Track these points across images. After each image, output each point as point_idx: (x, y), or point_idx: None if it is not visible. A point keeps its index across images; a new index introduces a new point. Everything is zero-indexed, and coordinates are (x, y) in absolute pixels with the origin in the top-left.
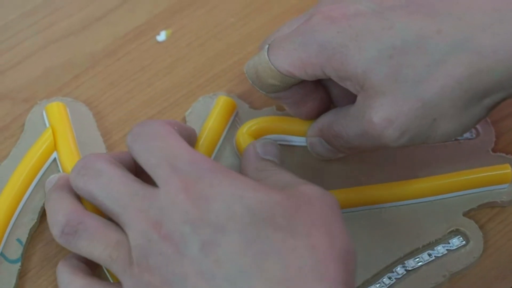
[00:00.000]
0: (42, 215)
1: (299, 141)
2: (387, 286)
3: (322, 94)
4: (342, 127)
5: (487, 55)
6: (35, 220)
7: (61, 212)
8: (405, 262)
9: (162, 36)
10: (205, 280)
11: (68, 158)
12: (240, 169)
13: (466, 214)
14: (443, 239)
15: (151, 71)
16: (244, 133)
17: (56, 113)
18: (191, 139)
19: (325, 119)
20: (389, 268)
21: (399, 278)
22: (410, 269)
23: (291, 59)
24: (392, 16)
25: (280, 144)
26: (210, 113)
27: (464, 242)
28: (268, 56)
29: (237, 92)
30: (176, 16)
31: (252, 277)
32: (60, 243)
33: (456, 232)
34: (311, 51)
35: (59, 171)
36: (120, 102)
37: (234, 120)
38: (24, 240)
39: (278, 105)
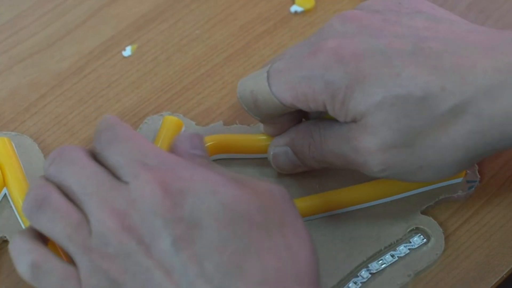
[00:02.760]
0: None
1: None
2: None
3: (302, 113)
4: (322, 139)
5: (484, 119)
6: None
7: (32, 188)
8: (369, 265)
9: (127, 52)
10: (174, 275)
11: (19, 193)
12: None
13: (424, 211)
14: (404, 239)
15: (118, 87)
16: None
17: (1, 149)
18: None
19: (300, 128)
20: (354, 273)
21: (364, 282)
22: (374, 272)
23: (294, 92)
24: (399, 63)
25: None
26: (157, 134)
27: (425, 240)
28: (269, 87)
29: (207, 104)
30: (140, 31)
31: (232, 276)
32: (25, 216)
33: (416, 231)
34: (316, 87)
35: (11, 206)
36: (89, 119)
37: None
38: None
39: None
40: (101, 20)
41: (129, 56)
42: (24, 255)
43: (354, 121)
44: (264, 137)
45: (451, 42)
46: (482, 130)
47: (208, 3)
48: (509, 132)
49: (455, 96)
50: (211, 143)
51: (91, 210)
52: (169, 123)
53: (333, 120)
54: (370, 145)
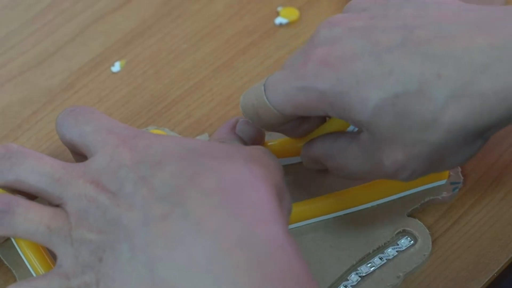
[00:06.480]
0: None
1: None
2: None
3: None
4: (345, 163)
5: (489, 97)
6: None
7: None
8: (358, 268)
9: (116, 67)
10: (136, 209)
11: None
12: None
13: (410, 214)
14: (392, 241)
15: (108, 102)
16: None
17: None
18: None
19: (321, 150)
20: (344, 277)
21: (354, 286)
22: (364, 275)
23: (293, 103)
24: (390, 59)
25: None
26: None
27: (412, 241)
28: (267, 99)
29: (196, 116)
30: (129, 47)
31: (185, 190)
32: None
33: (403, 233)
34: (312, 98)
35: None
36: None
37: None
38: None
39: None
40: (90, 36)
41: (118, 72)
42: None
43: (367, 129)
44: None
45: (442, 26)
46: (488, 108)
47: (194, 17)
48: None
49: (453, 80)
50: None
51: (64, 191)
52: None
53: (348, 138)
54: (395, 153)
